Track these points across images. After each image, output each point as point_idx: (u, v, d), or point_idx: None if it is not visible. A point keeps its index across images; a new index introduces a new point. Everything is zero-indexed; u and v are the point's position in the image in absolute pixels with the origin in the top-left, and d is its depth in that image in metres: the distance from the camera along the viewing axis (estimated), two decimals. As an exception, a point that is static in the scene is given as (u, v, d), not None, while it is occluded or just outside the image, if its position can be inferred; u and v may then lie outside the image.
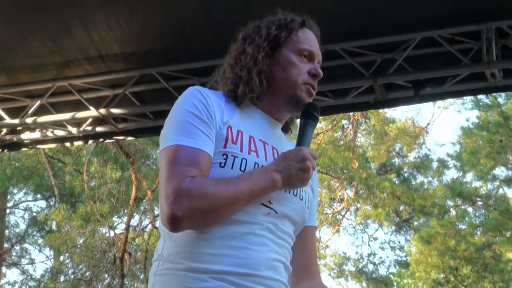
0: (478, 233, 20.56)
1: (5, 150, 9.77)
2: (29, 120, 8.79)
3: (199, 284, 2.64)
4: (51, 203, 23.97)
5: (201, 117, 2.73)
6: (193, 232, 2.69)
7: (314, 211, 3.07)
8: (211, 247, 2.67)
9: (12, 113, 8.92)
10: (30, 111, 8.79)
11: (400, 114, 35.96)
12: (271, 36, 2.93)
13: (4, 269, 24.66)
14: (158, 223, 2.98)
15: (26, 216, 25.66)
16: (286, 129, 3.08)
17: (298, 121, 3.11)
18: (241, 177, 2.68)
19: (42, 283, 24.88)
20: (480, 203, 20.94)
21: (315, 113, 2.91)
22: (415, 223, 23.69)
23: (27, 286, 25.17)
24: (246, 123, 2.86)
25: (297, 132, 2.93)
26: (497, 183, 22.90)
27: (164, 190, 2.64)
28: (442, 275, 22.03)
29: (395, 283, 29.12)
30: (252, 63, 2.89)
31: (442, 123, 50.70)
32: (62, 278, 24.52)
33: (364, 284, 28.25)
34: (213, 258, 2.66)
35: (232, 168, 2.69)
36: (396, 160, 24.48)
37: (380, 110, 20.63)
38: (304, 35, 2.97)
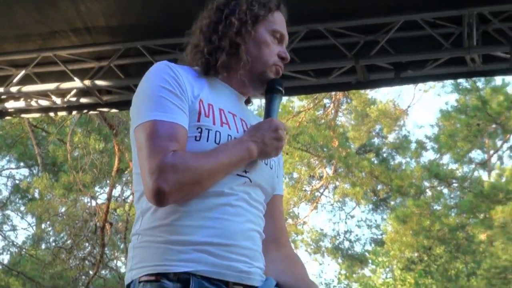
0: (453, 214, 20.69)
1: None
2: (13, 89, 8.77)
3: (179, 256, 2.65)
4: (34, 171, 23.99)
5: (174, 91, 2.73)
6: (169, 206, 2.68)
7: (281, 180, 3.09)
8: (189, 219, 2.69)
9: None
10: (15, 80, 8.79)
11: (382, 95, 36.72)
12: (254, 12, 2.92)
13: None
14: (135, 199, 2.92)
15: (9, 183, 25.76)
16: (247, 101, 3.10)
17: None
18: (219, 149, 2.71)
19: (24, 250, 24.77)
20: (455, 185, 21.04)
21: (280, 88, 2.93)
22: (392, 202, 23.86)
23: (9, 252, 25.27)
24: (214, 96, 2.87)
25: (264, 105, 2.96)
26: (472, 166, 23.16)
27: (148, 165, 2.63)
28: (416, 254, 22.25)
29: (370, 261, 29.47)
30: (228, 34, 2.88)
31: (422, 106, 51.40)
32: (43, 246, 24.64)
33: (339, 260, 28.58)
34: (191, 230, 2.68)
35: (207, 141, 2.70)
36: (376, 141, 24.68)
37: (362, 91, 20.68)
38: (278, 17, 3.00)
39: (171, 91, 2.73)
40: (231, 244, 2.71)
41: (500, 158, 23.65)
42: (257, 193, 2.87)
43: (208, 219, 2.69)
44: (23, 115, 10.45)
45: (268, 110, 2.91)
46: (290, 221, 24.66)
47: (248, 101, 3.12)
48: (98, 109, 9.36)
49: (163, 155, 2.61)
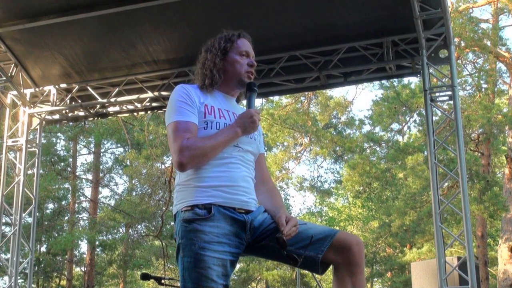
0: (382, 162, 22.16)
1: (98, 118, 10.33)
2: (112, 99, 9.42)
3: (204, 194, 3.00)
4: (126, 149, 25.59)
5: (187, 102, 3.05)
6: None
7: (262, 143, 3.33)
8: (207, 172, 3.02)
9: (102, 95, 9.50)
10: (112, 94, 9.40)
11: (336, 93, 39.89)
12: (221, 47, 3.26)
13: (100, 189, 26.41)
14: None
15: (112, 157, 27.98)
16: (237, 100, 3.37)
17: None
18: (218, 133, 3.02)
19: (122, 196, 26.91)
20: (383, 144, 22.63)
21: (254, 88, 3.22)
22: (346, 157, 25.94)
23: (114, 198, 27.63)
24: (214, 101, 3.16)
25: (246, 101, 3.27)
26: (393, 133, 25.25)
27: (173, 147, 2.98)
28: (361, 188, 23.99)
29: (333, 193, 32.73)
30: (212, 65, 3.21)
31: (361, 98, 55.06)
32: (134, 193, 26.68)
33: (315, 194, 31.51)
34: (210, 179, 3.01)
35: (211, 128, 3.05)
36: (334, 120, 26.23)
37: (324, 91, 22.73)
38: (241, 42, 3.28)
39: (185, 102, 3.06)
40: (235, 185, 3.04)
41: (408, 127, 25.78)
42: (248, 155, 3.17)
43: (219, 172, 3.02)
44: (118, 115, 10.87)
45: (248, 103, 3.18)
46: (283, 171, 26.42)
47: (238, 100, 3.35)
48: (163, 109, 9.69)
49: (181, 140, 2.95)
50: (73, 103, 9.59)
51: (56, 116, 9.92)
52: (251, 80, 3.24)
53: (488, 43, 18.19)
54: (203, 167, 2.98)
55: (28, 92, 9.58)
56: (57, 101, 9.55)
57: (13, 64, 9.01)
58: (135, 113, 10.85)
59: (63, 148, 26.52)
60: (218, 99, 3.19)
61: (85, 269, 24.63)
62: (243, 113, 3.09)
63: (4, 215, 9.18)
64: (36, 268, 24.60)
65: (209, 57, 3.24)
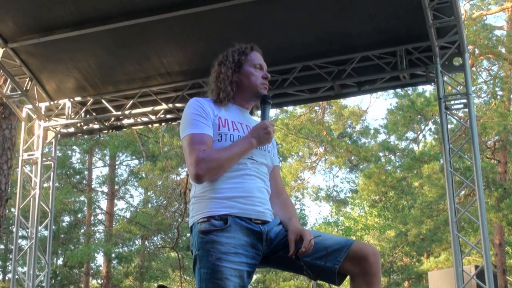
0: (398, 171, 22.15)
1: (113, 130, 10.32)
2: (126, 112, 9.43)
3: (219, 205, 3.01)
4: (141, 161, 25.76)
5: (201, 115, 3.08)
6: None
7: (275, 156, 3.34)
8: (223, 184, 3.02)
9: (116, 108, 9.50)
10: (127, 107, 9.40)
11: (350, 102, 39.98)
12: (236, 60, 3.28)
13: (116, 201, 26.53)
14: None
15: (127, 169, 27.99)
16: (251, 113, 3.39)
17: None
18: (232, 145, 3.04)
19: (138, 208, 26.94)
20: (398, 153, 22.62)
21: (269, 100, 3.24)
22: (361, 166, 25.76)
23: (129, 210, 27.69)
24: (228, 114, 3.18)
25: (260, 113, 3.28)
26: (408, 141, 25.18)
27: (189, 160, 3.00)
28: (377, 197, 23.98)
29: (349, 202, 32.65)
30: (226, 78, 3.23)
31: (376, 107, 54.73)
32: (149, 205, 26.67)
33: (331, 203, 31.51)
34: (225, 190, 3.02)
35: (226, 141, 3.07)
36: (349, 130, 26.28)
37: (338, 100, 22.77)
38: (255, 55, 3.31)
39: (200, 115, 3.08)
40: (250, 196, 3.05)
41: (424, 136, 25.87)
42: (263, 168, 3.18)
43: (234, 183, 3.04)
44: (133, 127, 10.92)
45: (262, 115, 3.20)
46: (299, 181, 26.55)
47: (252, 113, 3.38)
48: (177, 121, 9.69)
49: (197, 153, 2.96)
50: (88, 116, 9.65)
51: (71, 129, 9.98)
52: (266, 92, 3.28)
53: (503, 50, 18.14)
54: (218, 179, 3.01)
55: (43, 105, 9.63)
56: (72, 114, 9.62)
57: (28, 78, 9.06)
58: (150, 125, 10.84)
59: (79, 161, 26.70)
60: (232, 112, 3.21)
61: (102, 281, 24.75)
62: (257, 124, 3.12)
63: (20, 228, 9.22)
64: (53, 281, 24.76)
65: (223, 70, 3.27)
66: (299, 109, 22.25)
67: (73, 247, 24.95)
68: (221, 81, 3.25)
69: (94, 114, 9.60)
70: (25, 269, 9.18)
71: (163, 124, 10.42)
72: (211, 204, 3.00)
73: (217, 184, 3.01)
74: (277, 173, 3.36)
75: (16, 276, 9.63)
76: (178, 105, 9.14)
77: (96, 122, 9.76)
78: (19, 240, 8.95)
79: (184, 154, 3.07)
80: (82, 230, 25.56)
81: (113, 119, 9.73)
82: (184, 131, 3.09)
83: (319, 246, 3.00)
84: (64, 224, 25.89)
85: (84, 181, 25.82)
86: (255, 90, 3.26)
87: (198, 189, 3.06)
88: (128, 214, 27.07)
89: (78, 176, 25.94)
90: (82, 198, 25.74)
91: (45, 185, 10.37)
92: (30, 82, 9.08)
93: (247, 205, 3.02)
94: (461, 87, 8.04)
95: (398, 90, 21.38)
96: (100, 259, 26.66)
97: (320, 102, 20.83)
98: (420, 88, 20.90)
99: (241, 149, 3.04)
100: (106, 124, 9.79)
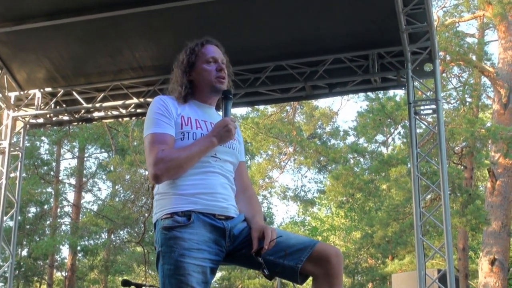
0: (366, 173, 22.17)
1: (83, 123, 10.34)
2: (97, 104, 9.40)
3: (183, 201, 3.01)
4: (111, 154, 25.51)
5: (164, 114, 3.08)
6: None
7: (242, 152, 3.34)
8: (186, 181, 3.04)
9: (87, 100, 9.47)
10: (98, 99, 9.38)
11: (322, 103, 40.49)
12: (186, 60, 3.29)
13: (83, 194, 26.35)
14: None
15: (96, 162, 27.78)
16: (217, 108, 3.37)
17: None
18: (193, 143, 3.04)
19: (105, 202, 26.87)
20: (367, 156, 22.57)
21: (230, 95, 3.22)
22: (329, 167, 25.90)
23: (97, 203, 27.58)
24: (192, 111, 3.18)
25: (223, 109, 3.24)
26: (377, 144, 25.13)
27: (148, 160, 3.01)
28: (344, 198, 24.09)
29: (317, 202, 32.79)
30: (180, 78, 3.24)
31: (346, 109, 54.20)
32: (117, 199, 26.51)
33: (298, 203, 31.49)
34: (188, 186, 3.02)
35: (188, 139, 3.07)
36: (319, 131, 26.37)
37: (309, 101, 22.82)
38: (206, 49, 3.30)
39: (161, 114, 3.08)
40: (213, 192, 3.06)
41: (393, 139, 25.97)
42: (226, 165, 3.18)
43: (197, 180, 3.05)
44: (103, 120, 10.92)
45: (224, 112, 3.18)
46: (267, 180, 26.79)
47: (217, 107, 3.37)
48: None
49: (156, 152, 2.98)
50: (58, 107, 9.59)
51: (41, 120, 9.91)
52: (222, 84, 3.25)
53: (473, 57, 18.36)
54: (181, 177, 3.02)
55: (12, 95, 9.57)
56: (42, 105, 9.54)
57: (-2, 67, 8.60)
58: (120, 119, 10.73)
59: (47, 152, 26.42)
60: (195, 110, 3.21)
61: (66, 274, 24.54)
62: (218, 122, 3.11)
63: (-15, 218, 9.09)
64: (17, 272, 24.45)
65: (178, 73, 3.28)
66: (270, 109, 22.32)
67: (38, 239, 24.72)
68: (177, 81, 3.28)
69: (64, 105, 9.54)
70: (-11, 259, 9.01)
71: (133, 118, 10.38)
72: (175, 201, 3.00)
73: (180, 181, 3.01)
74: (243, 169, 3.35)
75: (-21, 266, 9.42)
76: (149, 99, 9.11)
77: (66, 114, 9.68)
78: (-17, 230, 8.82)
79: (145, 152, 3.08)
80: (48, 222, 25.35)
81: (83, 111, 9.68)
82: (147, 130, 3.09)
83: (283, 245, 3.01)
84: (30, 215, 25.62)
85: (52, 173, 25.59)
86: (210, 85, 3.24)
87: (162, 186, 3.06)
88: (95, 207, 26.94)
89: (46, 167, 25.69)
90: (49, 189, 25.52)
91: (12, 175, 10.25)
92: (0, 71, 9.00)
93: (210, 201, 3.03)
94: (431, 92, 8.16)
95: (369, 93, 21.24)
96: (65, 251, 26.49)
97: (292, 102, 20.87)
98: (391, 92, 21.03)
99: (201, 148, 3.03)
100: (76, 116, 9.73)
